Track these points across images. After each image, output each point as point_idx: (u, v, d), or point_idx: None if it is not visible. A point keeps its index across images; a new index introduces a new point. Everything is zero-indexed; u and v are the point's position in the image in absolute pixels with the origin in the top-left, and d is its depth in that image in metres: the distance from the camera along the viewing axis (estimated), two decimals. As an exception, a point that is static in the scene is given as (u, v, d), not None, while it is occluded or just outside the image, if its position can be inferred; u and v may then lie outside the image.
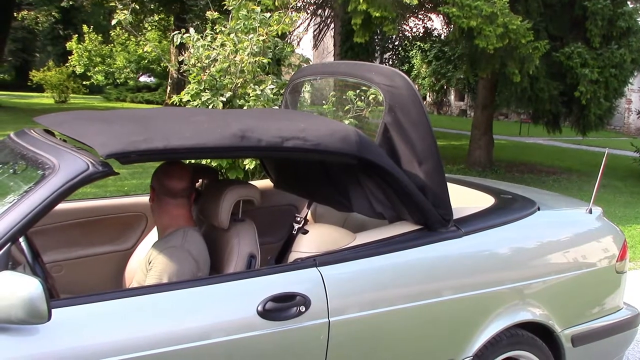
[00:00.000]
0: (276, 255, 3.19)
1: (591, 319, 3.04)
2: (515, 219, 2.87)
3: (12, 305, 1.74)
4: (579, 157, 16.18)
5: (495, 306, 2.70)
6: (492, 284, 2.70)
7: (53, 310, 1.80)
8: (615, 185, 11.35)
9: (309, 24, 18.14)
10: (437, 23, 18.21)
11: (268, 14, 5.50)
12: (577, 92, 10.78)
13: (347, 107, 5.39)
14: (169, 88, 23.77)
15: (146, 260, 2.51)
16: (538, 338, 2.84)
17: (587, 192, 9.83)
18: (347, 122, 4.27)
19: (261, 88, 5.09)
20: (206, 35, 5.48)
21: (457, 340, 2.63)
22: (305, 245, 2.52)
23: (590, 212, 3.20)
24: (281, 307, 2.20)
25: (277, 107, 5.06)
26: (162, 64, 25.41)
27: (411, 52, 26.67)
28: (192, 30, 5.50)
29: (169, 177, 2.58)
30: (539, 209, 3.03)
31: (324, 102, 5.69)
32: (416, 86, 2.44)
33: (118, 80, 29.26)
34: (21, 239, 2.09)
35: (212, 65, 5.28)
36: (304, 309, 2.23)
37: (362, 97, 5.28)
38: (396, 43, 20.88)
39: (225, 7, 5.75)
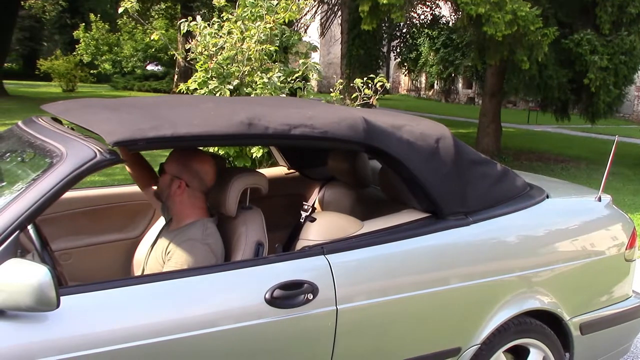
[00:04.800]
0: (284, 243, 3.19)
1: (600, 307, 3.02)
2: (524, 206, 2.85)
3: (21, 292, 1.74)
4: (587, 145, 16.08)
5: (504, 294, 2.69)
6: (500, 272, 2.69)
7: (61, 298, 1.80)
8: (624, 173, 11.28)
9: (316, 12, 18.06)
10: (445, 10, 18.10)
11: (275, 2, 5.47)
12: (586, 80, 10.69)
13: (354, 95, 5.37)
14: (176, 76, 23.77)
15: (163, 250, 2.48)
16: (546, 326, 2.83)
17: (596, 180, 9.78)
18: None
19: (268, 76, 5.07)
20: (213, 23, 5.45)
21: (464, 328, 2.63)
22: (312, 233, 2.51)
23: (600, 199, 3.18)
24: (289, 294, 2.20)
25: (284, 95, 5.05)
26: (169, 53, 25.35)
27: (419, 40, 26.53)
28: (199, 18, 5.48)
29: (208, 174, 2.55)
30: (547, 197, 3.01)
31: (331, 89, 5.67)
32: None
33: (125, 69, 29.31)
34: (30, 227, 2.09)
35: (219, 53, 5.26)
36: (311, 296, 2.23)
37: (370, 85, 5.26)
38: (404, 30, 20.75)
39: (232, -5, 5.72)
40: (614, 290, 3.11)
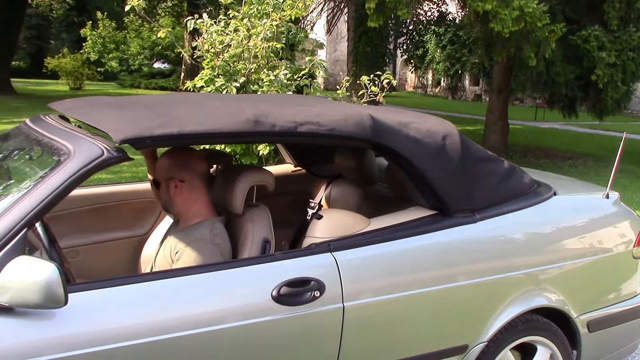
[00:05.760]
0: (290, 240, 3.19)
1: (607, 304, 3.01)
2: (532, 204, 2.85)
3: (29, 289, 1.75)
4: (595, 141, 16.01)
5: (511, 292, 2.68)
6: (508, 269, 2.68)
7: (69, 295, 1.81)
8: (632, 170, 11.22)
9: (322, 9, 18.06)
10: (451, 7, 18.04)
11: (281, -1, 5.48)
12: (593, 76, 10.64)
13: (361, 92, 5.37)
14: (182, 74, 23.80)
15: (171, 250, 2.48)
16: (554, 324, 2.83)
17: (604, 177, 9.73)
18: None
19: (275, 73, 5.08)
20: (219, 21, 5.46)
21: (471, 325, 2.62)
22: (319, 231, 2.51)
23: (607, 197, 3.17)
24: (296, 292, 2.20)
25: (290, 93, 5.05)
26: (175, 50, 25.44)
27: (425, 37, 26.43)
28: (205, 15, 5.49)
29: (198, 162, 2.57)
30: (555, 194, 3.00)
31: (337, 87, 5.67)
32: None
33: (132, 67, 29.43)
34: (37, 225, 2.10)
35: (225, 51, 5.27)
36: (318, 294, 2.23)
37: (376, 82, 5.26)
38: (410, 27, 20.73)
39: (238, -8, 5.72)
40: (622, 287, 3.10)
